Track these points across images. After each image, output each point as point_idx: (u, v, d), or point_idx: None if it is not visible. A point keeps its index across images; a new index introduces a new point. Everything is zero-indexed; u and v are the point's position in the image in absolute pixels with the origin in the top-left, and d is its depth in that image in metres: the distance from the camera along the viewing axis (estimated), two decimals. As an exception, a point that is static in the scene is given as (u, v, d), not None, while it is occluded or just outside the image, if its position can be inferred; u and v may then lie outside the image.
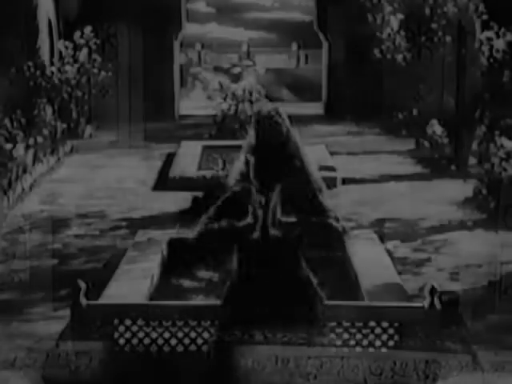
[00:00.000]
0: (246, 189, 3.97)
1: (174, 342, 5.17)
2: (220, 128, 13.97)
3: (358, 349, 5.16)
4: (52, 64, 15.10)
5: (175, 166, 11.70)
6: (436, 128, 12.59)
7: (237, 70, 16.00)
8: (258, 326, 3.94)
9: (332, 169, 11.10)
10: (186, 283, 6.82)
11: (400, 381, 5.18)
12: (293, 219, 3.92)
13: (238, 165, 4.06)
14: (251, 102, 13.61)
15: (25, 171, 10.85)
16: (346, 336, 5.07)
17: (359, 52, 16.19)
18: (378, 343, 5.17)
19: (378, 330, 5.17)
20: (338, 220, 4.00)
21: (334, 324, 4.75)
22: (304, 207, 3.94)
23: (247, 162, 3.96)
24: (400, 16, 14.92)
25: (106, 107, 15.37)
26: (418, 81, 13.62)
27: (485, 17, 11.92)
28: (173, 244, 7.37)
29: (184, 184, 10.62)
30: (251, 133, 4.01)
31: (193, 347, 5.15)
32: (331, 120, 16.57)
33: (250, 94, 13.67)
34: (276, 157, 3.91)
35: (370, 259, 6.88)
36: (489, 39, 11.99)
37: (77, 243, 8.58)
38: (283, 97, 20.57)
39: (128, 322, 5.19)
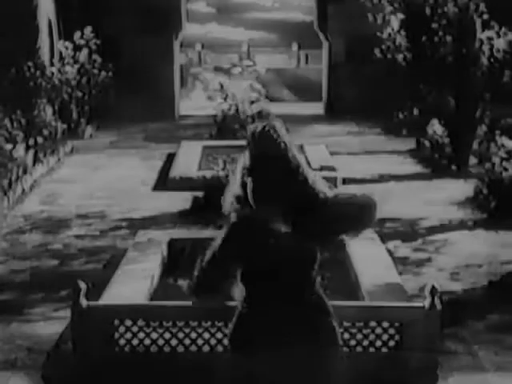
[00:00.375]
0: (245, 216, 3.70)
1: (174, 342, 5.17)
2: (220, 128, 13.97)
3: (359, 349, 5.16)
4: (52, 64, 15.09)
5: (175, 166, 11.69)
6: (436, 128, 12.57)
7: (237, 70, 15.99)
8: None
9: (332, 169, 11.09)
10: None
11: (400, 381, 5.18)
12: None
13: (233, 188, 3.76)
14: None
15: (25, 172, 10.84)
16: (346, 336, 5.07)
17: (359, 52, 16.19)
18: (378, 343, 5.17)
19: (378, 330, 5.17)
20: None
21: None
22: (312, 219, 3.73)
23: (243, 185, 3.70)
24: (400, 16, 14.90)
25: (106, 107, 15.37)
26: (418, 81, 13.59)
27: (485, 16, 11.89)
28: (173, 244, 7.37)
29: (184, 184, 10.61)
30: (246, 153, 3.72)
31: (193, 348, 5.16)
32: (331, 120, 16.57)
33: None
34: (275, 176, 3.64)
35: (370, 259, 6.86)
36: (489, 39, 11.97)
37: (77, 243, 8.57)
38: (283, 97, 20.57)
39: (128, 323, 5.18)
